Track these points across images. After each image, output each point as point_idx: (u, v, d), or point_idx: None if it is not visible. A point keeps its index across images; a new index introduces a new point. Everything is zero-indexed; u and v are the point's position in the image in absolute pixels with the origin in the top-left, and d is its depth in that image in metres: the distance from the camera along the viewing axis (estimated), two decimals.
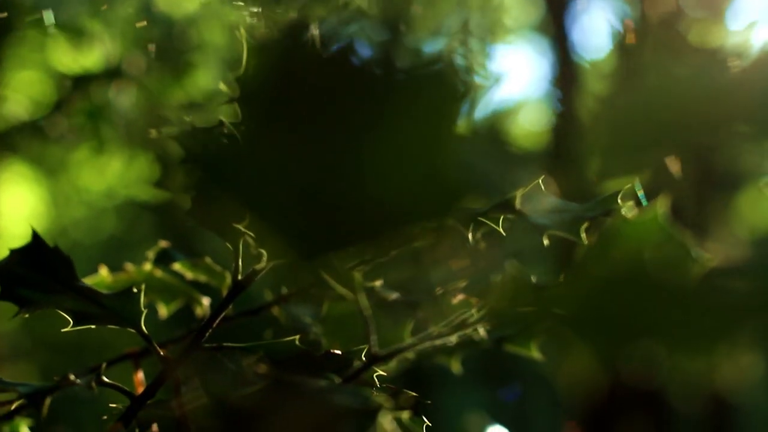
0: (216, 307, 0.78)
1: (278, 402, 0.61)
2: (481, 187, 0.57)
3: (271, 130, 0.54)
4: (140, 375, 0.91)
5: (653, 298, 0.55)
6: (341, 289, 0.75)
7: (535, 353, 0.96)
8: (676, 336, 0.54)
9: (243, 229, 0.72)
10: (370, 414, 0.62)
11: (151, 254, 0.92)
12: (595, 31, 5.47)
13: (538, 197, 0.78)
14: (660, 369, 0.56)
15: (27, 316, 0.76)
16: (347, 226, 0.51)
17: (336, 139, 0.53)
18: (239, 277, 0.77)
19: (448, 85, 0.52)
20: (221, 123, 0.68)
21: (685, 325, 0.55)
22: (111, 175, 5.57)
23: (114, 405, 0.82)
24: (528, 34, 5.90)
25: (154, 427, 0.83)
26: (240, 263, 0.77)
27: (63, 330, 0.77)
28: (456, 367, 0.98)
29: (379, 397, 0.68)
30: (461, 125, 0.53)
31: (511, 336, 0.95)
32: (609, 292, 0.56)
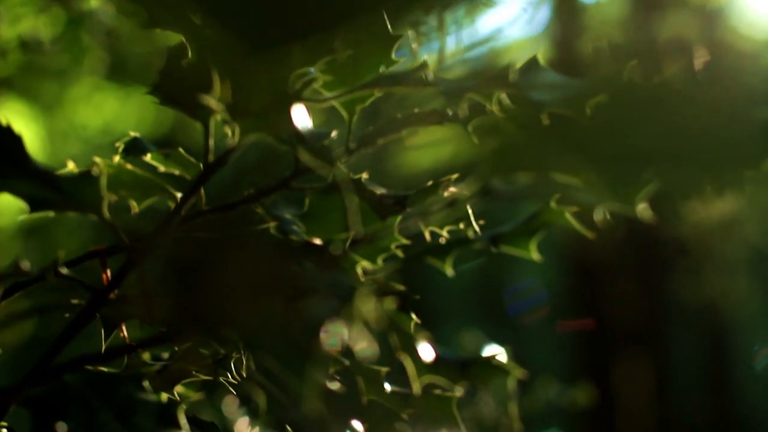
0: (186, 192, 0.72)
1: (244, 280, 0.55)
2: None
3: None
4: (108, 274, 0.85)
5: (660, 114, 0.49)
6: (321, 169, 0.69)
7: (534, 254, 0.89)
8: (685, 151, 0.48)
9: (213, 104, 0.65)
10: (345, 295, 0.56)
11: (120, 144, 0.85)
12: None
13: (536, 71, 0.72)
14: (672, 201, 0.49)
15: None
16: (301, 16, 0.44)
17: None
18: (210, 159, 0.71)
19: None
20: None
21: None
22: (108, 111, 5.51)
23: (76, 301, 0.76)
24: None
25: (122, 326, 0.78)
26: (211, 143, 0.70)
27: (20, 218, 0.71)
28: (449, 269, 0.91)
29: (357, 281, 0.62)
30: None
31: (507, 234, 0.88)
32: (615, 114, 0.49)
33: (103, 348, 0.76)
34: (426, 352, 0.67)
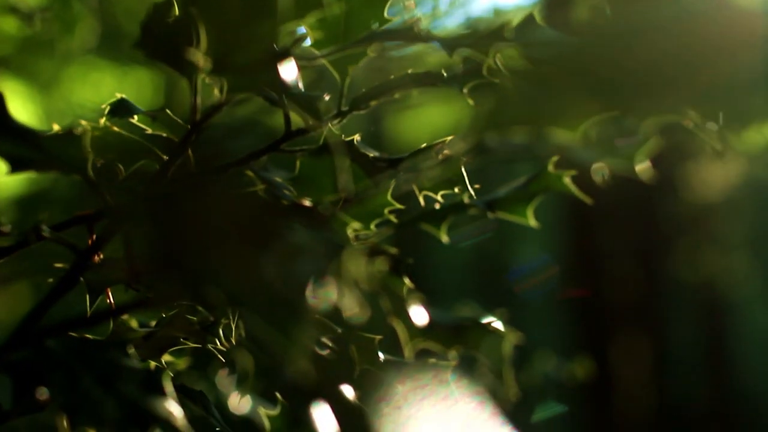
0: (172, 152, 0.70)
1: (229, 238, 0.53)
2: None
3: None
4: (95, 239, 0.83)
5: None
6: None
7: (531, 220, 0.87)
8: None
9: (199, 60, 0.63)
10: (332, 253, 0.54)
11: (105, 106, 0.83)
12: None
13: (533, 28, 0.69)
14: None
15: None
16: None
17: None
18: (197, 117, 0.68)
19: None
20: None
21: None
22: (105, 90, 5.48)
23: (60, 264, 0.74)
24: None
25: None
26: (198, 101, 0.68)
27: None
28: (444, 236, 0.89)
29: (347, 240, 0.60)
30: None
31: (503, 200, 0.86)
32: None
33: (89, 313, 0.74)
34: (419, 315, 0.65)
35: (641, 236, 4.43)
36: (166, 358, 0.83)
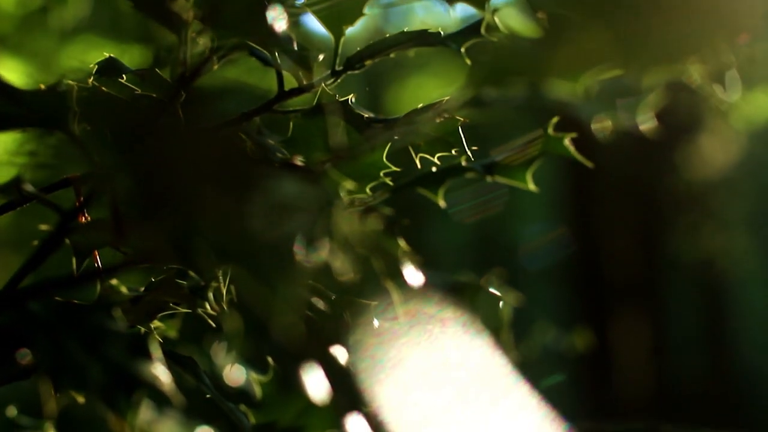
0: (161, 111, 0.68)
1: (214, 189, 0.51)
2: None
3: None
4: (83, 203, 0.81)
5: None
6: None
7: (530, 184, 0.85)
8: None
9: (186, 12, 0.61)
10: (321, 207, 0.51)
11: (93, 66, 0.81)
12: None
13: None
14: None
15: None
16: None
17: None
18: (186, 74, 0.66)
19: None
20: None
21: None
22: None
23: (44, 227, 0.72)
24: None
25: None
26: (186, 55, 0.66)
27: None
28: (441, 201, 0.87)
29: (338, 197, 0.57)
30: None
31: (502, 163, 0.84)
32: None
33: (75, 275, 0.72)
34: (413, 277, 0.63)
35: (642, 213, 4.41)
36: (157, 324, 0.81)
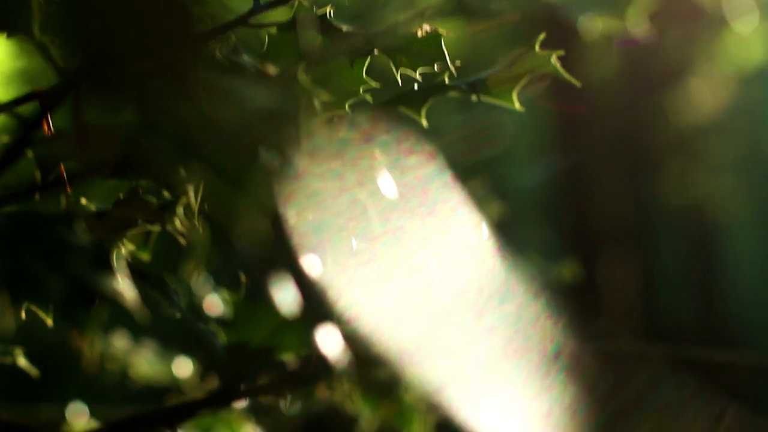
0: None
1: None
2: None
3: None
4: (49, 119, 0.78)
5: None
6: None
7: (516, 104, 0.82)
8: None
9: None
10: (289, 112, 0.48)
11: None
12: None
13: None
14: None
15: None
16: None
17: None
18: None
19: None
20: None
21: None
22: None
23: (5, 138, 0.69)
24: None
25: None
26: None
27: None
28: (423, 120, 0.84)
29: (308, 101, 0.54)
30: None
31: (487, 81, 0.81)
32: None
33: (38, 192, 0.69)
34: (388, 187, 0.60)
35: (631, 156, 4.40)
36: (129, 247, 0.78)
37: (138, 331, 1.28)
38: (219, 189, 0.46)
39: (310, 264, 0.63)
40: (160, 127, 0.47)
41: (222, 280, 0.77)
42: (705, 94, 4.43)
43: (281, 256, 0.60)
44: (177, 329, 1.30)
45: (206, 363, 1.10)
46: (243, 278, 0.71)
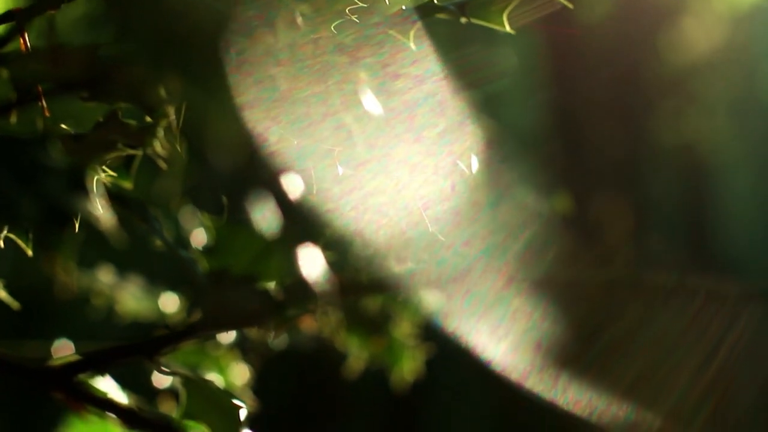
0: None
1: None
2: None
3: None
4: (26, 38, 0.75)
5: None
6: None
7: (506, 26, 0.79)
8: None
9: None
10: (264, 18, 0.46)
11: None
12: None
13: None
14: None
15: None
16: None
17: None
18: None
19: None
20: None
21: None
22: None
23: None
24: None
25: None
26: None
27: None
28: (411, 43, 0.81)
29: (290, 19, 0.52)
30: None
31: (478, 4, 0.78)
32: None
33: (14, 112, 0.67)
34: (372, 105, 0.58)
35: (624, 96, 4.38)
36: (110, 173, 0.76)
37: (124, 267, 1.26)
38: (195, 101, 0.44)
39: (292, 184, 0.61)
40: (134, 36, 0.45)
41: (202, 204, 0.74)
42: (699, 33, 4.40)
43: (261, 176, 0.58)
44: (163, 264, 1.28)
45: (193, 298, 1.08)
46: (225, 201, 0.69)
